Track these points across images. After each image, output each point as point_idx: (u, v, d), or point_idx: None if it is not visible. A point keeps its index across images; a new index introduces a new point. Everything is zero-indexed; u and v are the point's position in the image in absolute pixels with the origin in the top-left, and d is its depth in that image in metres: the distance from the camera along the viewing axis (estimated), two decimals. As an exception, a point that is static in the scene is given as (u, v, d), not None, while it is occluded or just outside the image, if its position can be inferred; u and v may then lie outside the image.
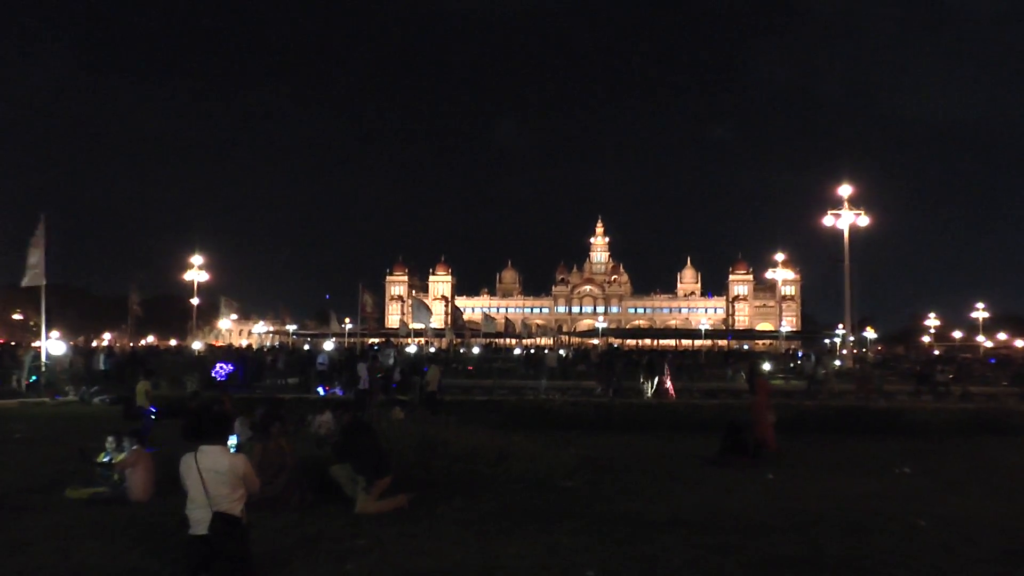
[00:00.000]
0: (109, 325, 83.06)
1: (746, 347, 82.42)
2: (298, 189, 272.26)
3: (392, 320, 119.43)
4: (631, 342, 73.90)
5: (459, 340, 63.71)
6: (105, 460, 9.33)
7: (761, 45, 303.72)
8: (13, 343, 49.81)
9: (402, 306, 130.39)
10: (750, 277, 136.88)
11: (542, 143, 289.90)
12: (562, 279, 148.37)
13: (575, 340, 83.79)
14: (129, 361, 28.73)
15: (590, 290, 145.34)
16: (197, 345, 54.12)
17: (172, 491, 6.94)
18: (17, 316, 74.64)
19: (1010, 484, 10.41)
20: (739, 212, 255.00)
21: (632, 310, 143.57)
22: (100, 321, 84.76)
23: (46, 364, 24.35)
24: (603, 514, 8.23)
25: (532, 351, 53.68)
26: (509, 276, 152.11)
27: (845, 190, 42.92)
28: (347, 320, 64.53)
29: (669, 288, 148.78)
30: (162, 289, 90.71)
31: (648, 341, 75.85)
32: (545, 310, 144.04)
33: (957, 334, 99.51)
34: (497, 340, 70.02)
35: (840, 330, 58.79)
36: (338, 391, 23.12)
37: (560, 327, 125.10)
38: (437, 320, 71.68)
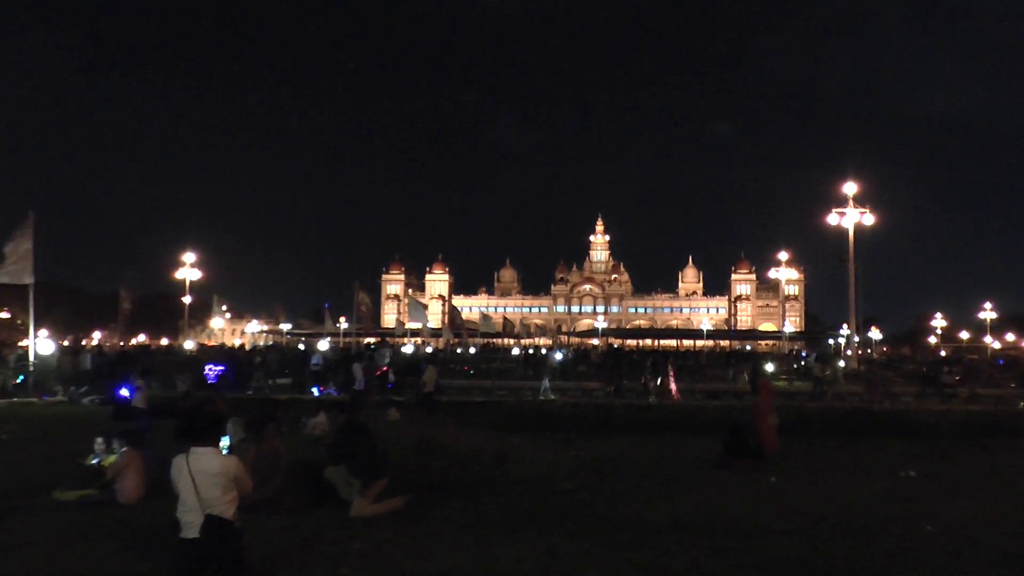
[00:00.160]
0: (100, 324, 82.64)
1: (748, 348, 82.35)
2: (293, 186, 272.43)
3: (388, 319, 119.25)
4: (631, 342, 73.77)
5: (456, 340, 63.59)
6: (94, 462, 9.18)
7: (764, 42, 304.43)
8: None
9: (398, 305, 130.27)
10: (753, 276, 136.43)
11: (542, 139, 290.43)
12: (561, 278, 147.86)
13: (574, 340, 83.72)
14: (119, 361, 28.45)
15: (590, 289, 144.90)
16: (189, 344, 53.83)
17: (163, 493, 6.83)
18: (4, 315, 74.10)
19: (1018, 488, 10.30)
20: (742, 210, 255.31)
21: (632, 310, 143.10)
22: (91, 320, 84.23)
23: (34, 364, 24.05)
24: (603, 517, 8.15)
25: (531, 351, 53.59)
26: (507, 275, 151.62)
27: (850, 188, 42.36)
28: (342, 319, 64.26)
29: (670, 287, 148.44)
30: (154, 287, 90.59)
31: (649, 341, 75.73)
32: (544, 309, 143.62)
33: (964, 335, 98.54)
34: (495, 340, 69.92)
35: (845, 330, 58.63)
36: (333, 391, 22.99)
37: (559, 327, 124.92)
38: (434, 319, 71.45)
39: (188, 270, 53.79)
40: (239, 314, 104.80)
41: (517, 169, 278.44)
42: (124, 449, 8.75)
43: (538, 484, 9.63)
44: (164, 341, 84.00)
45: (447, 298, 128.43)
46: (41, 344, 28.04)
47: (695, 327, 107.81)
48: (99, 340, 67.73)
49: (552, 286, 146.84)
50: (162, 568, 6.19)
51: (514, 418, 15.48)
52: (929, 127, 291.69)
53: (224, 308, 48.53)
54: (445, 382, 23.17)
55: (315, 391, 23.39)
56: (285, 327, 69.24)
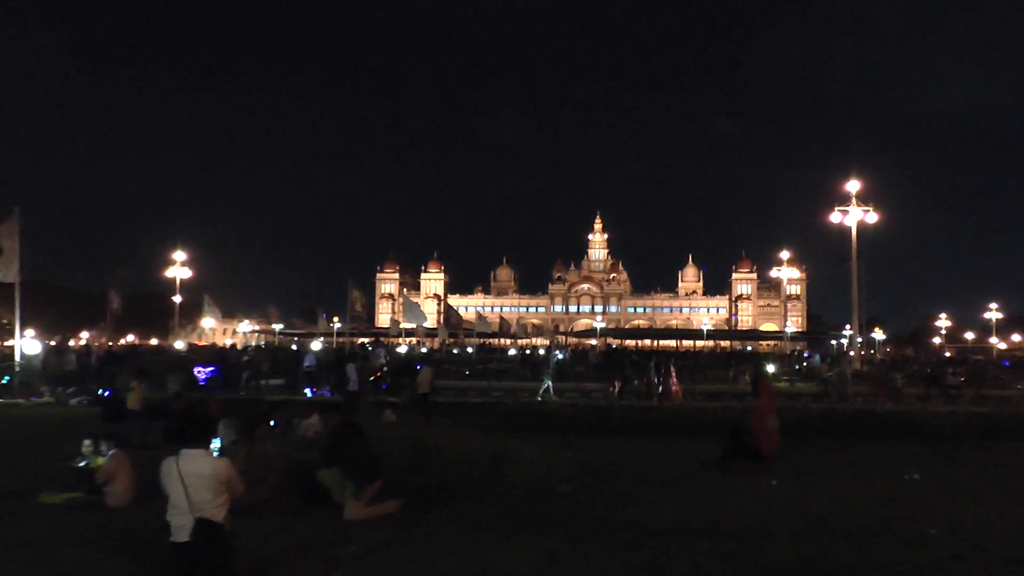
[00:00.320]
0: (88, 323, 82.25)
1: (749, 348, 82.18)
2: (286, 184, 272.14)
3: (383, 319, 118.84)
4: (630, 342, 73.67)
5: (452, 340, 63.40)
6: (82, 465, 9.02)
7: (765, 41, 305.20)
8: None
9: (393, 304, 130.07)
10: (754, 276, 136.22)
11: (539, 137, 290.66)
12: (559, 277, 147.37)
13: (572, 340, 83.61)
14: (107, 360, 28.19)
15: (588, 288, 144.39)
16: (179, 344, 53.47)
17: (153, 496, 6.73)
18: None
19: (1022, 490, 10.22)
20: (743, 209, 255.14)
21: (631, 309, 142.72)
22: (79, 319, 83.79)
23: (20, 364, 23.73)
24: (602, 520, 8.06)
25: (528, 351, 53.47)
26: (504, 274, 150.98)
27: (853, 186, 41.86)
28: (335, 319, 63.93)
29: (670, 287, 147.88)
30: (144, 286, 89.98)
31: (648, 341, 75.62)
32: (541, 309, 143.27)
33: (969, 335, 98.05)
34: (491, 340, 69.77)
35: (848, 330, 58.44)
36: (326, 392, 22.83)
37: (557, 327, 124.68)
38: (429, 319, 71.33)
39: (178, 269, 53.19)
40: (231, 313, 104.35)
41: (514, 167, 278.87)
42: (113, 451, 8.60)
43: (536, 486, 9.57)
44: (154, 341, 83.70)
45: (443, 297, 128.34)
46: (27, 344, 27.63)
47: (695, 327, 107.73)
48: (87, 340, 67.32)
49: (550, 285, 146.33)
50: (152, 572, 6.12)
51: (511, 419, 15.37)
52: (931, 126, 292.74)
53: (215, 308, 47.82)
54: (441, 383, 23.04)
55: (308, 392, 23.23)
56: (277, 327, 68.79)
